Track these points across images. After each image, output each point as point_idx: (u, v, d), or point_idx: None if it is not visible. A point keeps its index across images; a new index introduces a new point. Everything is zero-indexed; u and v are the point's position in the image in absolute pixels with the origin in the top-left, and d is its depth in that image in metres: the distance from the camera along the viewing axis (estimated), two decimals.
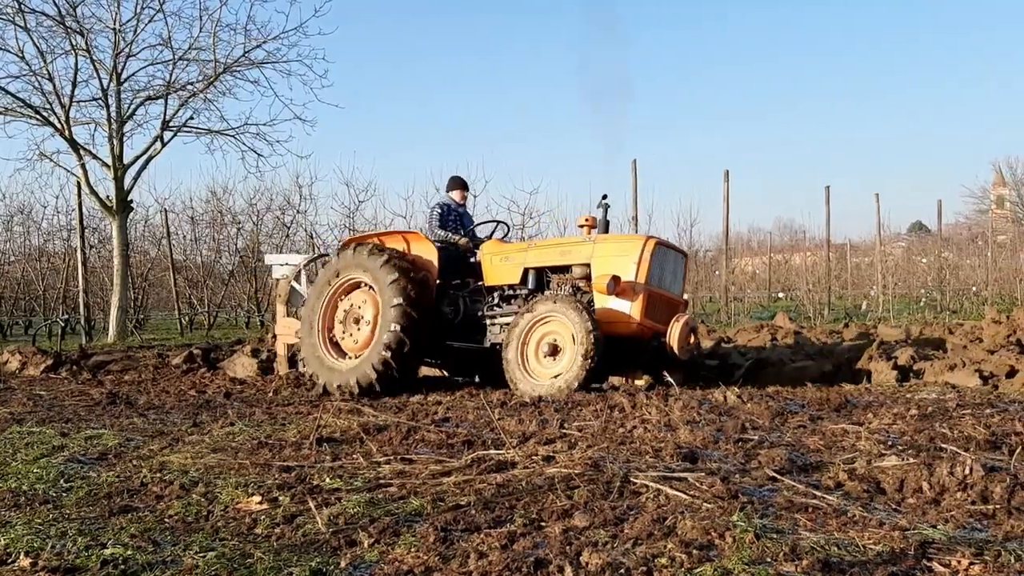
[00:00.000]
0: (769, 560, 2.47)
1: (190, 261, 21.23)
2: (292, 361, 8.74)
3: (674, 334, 6.92)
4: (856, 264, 27.76)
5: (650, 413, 5.14)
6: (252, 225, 21.20)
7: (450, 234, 8.37)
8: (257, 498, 3.43)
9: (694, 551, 2.56)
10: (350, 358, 7.64)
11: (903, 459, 3.67)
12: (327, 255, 10.06)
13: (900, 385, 6.92)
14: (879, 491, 3.35)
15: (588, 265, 7.46)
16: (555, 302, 6.91)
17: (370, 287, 7.66)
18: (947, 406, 5.23)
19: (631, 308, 7.01)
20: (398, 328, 7.19)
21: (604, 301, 7.05)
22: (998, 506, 3.04)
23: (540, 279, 7.78)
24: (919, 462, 3.56)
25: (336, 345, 7.83)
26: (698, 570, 2.42)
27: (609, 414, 5.19)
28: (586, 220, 7.73)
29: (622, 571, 2.45)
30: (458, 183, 9.14)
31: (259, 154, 16.40)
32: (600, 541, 2.72)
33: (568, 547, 2.64)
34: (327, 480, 3.67)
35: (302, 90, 33.61)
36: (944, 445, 3.95)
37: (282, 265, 9.94)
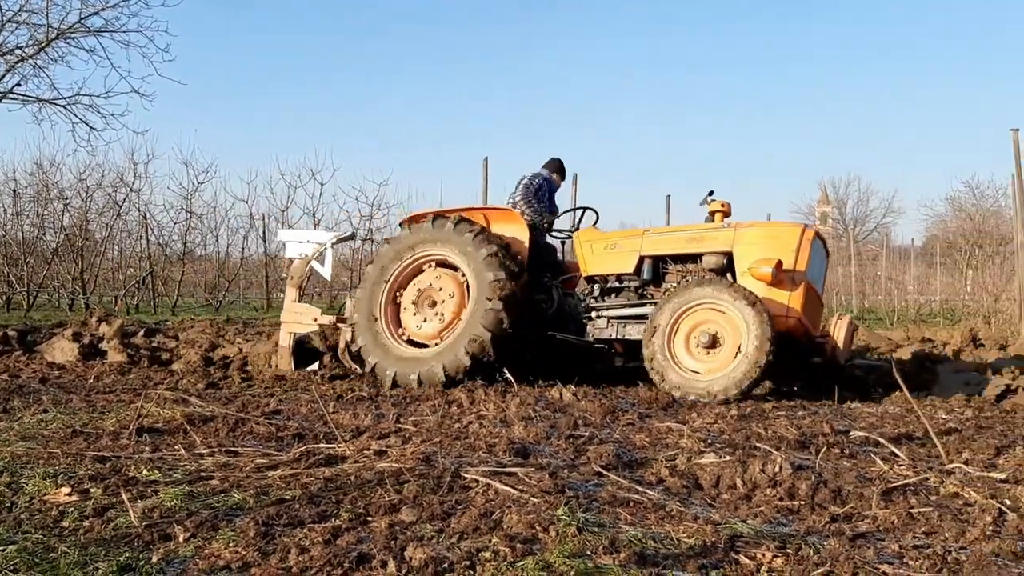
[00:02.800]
0: (589, 553, 2.53)
1: (10, 237, 19.78)
2: (316, 354, 7.77)
3: (840, 332, 6.46)
4: None
5: (487, 409, 5.18)
6: (80, 202, 19.97)
7: (543, 210, 7.89)
8: (66, 489, 3.22)
9: (518, 545, 2.59)
10: (427, 346, 6.90)
11: (720, 456, 3.85)
12: (355, 235, 9.31)
13: None
14: (697, 487, 3.50)
15: (726, 253, 6.76)
16: (713, 287, 6.21)
17: (448, 266, 7.01)
18: (764, 407, 5.53)
19: (789, 300, 6.35)
20: (499, 306, 6.49)
21: (757, 291, 6.23)
22: (803, 502, 3.23)
23: (657, 269, 7.13)
24: (734, 460, 3.75)
25: (401, 333, 7.06)
26: (521, 563, 2.45)
27: (447, 409, 5.20)
28: (722, 205, 7.10)
29: (446, 565, 2.44)
30: (559, 165, 8.55)
31: (91, 127, 15.55)
32: (426, 535, 2.71)
33: (393, 542, 2.62)
34: (144, 472, 3.49)
35: (141, 63, 31.74)
36: (758, 444, 4.17)
37: (301, 243, 8.25)
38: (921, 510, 3.13)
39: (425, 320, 6.93)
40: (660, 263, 7.08)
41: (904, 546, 2.67)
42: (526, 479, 3.37)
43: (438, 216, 7.08)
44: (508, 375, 6.66)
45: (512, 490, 3.21)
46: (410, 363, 6.67)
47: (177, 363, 8.05)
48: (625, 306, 7.06)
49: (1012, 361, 8.27)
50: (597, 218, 7.83)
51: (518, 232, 7.16)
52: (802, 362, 6.76)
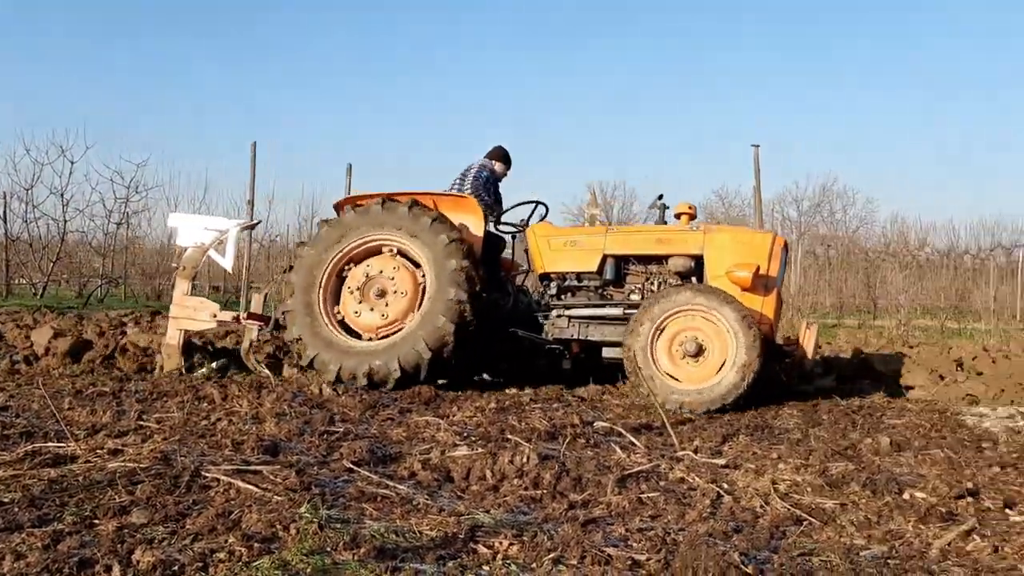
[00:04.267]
0: (329, 550, 2.50)
1: None
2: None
3: (810, 340, 6.38)
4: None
5: (240, 405, 4.99)
6: None
7: (492, 203, 7.32)
8: None
9: (255, 544, 2.52)
10: (370, 338, 6.37)
11: (473, 449, 3.93)
12: (259, 222, 7.90)
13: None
14: (448, 479, 3.55)
15: (695, 256, 6.67)
16: (697, 293, 6.07)
17: (396, 252, 6.50)
18: (522, 400, 5.71)
19: (763, 306, 6.36)
20: (464, 297, 6.09)
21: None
22: (546, 491, 3.37)
23: (619, 269, 6.91)
24: (486, 452, 3.84)
25: (343, 324, 6.52)
26: (256, 563, 2.38)
27: (196, 405, 4.95)
28: (689, 208, 6.97)
29: (176, 568, 2.33)
30: (504, 155, 7.95)
31: None
32: (157, 538, 2.57)
33: (120, 545, 2.47)
34: None
35: None
36: (511, 436, 4.29)
37: (196, 229, 7.29)
38: (650, 495, 3.36)
39: (374, 311, 6.44)
40: (623, 263, 6.95)
41: (630, 529, 2.85)
42: (271, 477, 3.28)
43: (388, 199, 6.59)
44: (266, 370, 6.42)
45: (255, 489, 3.12)
46: (358, 357, 6.18)
47: None
48: (589, 306, 6.83)
49: None
50: (546, 212, 7.55)
51: (473, 222, 6.78)
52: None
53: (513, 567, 2.44)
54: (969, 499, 3.49)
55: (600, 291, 6.96)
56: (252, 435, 4.03)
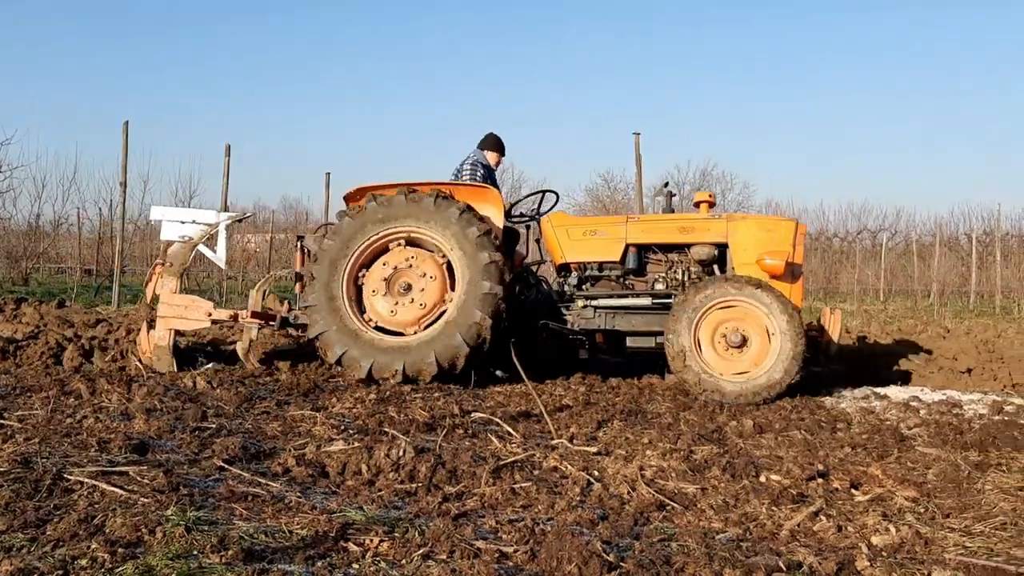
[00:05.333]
0: (196, 553, 2.48)
1: None
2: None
3: (835, 325, 6.51)
4: None
5: (109, 400, 4.84)
6: None
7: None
8: None
9: (119, 549, 2.47)
10: (415, 331, 6.26)
11: (349, 443, 3.93)
12: (251, 215, 7.30)
13: None
14: (323, 475, 3.55)
15: (718, 245, 6.78)
16: (736, 285, 6.13)
17: (416, 245, 6.40)
18: (403, 390, 5.72)
19: (791, 293, 6.40)
20: (499, 290, 6.04)
21: None
22: (421, 484, 3.41)
23: (641, 257, 6.95)
24: (362, 446, 3.85)
25: (379, 328, 6.34)
26: (120, 569, 2.34)
27: (62, 401, 4.77)
28: (709, 196, 7.11)
29: None
30: (497, 143, 7.85)
31: None
32: (16, 545, 2.49)
33: None
34: None
35: None
36: (389, 429, 4.31)
37: (183, 223, 6.93)
38: (523, 485, 3.45)
39: (400, 305, 6.34)
40: (644, 252, 7.00)
41: (501, 521, 2.93)
42: (138, 478, 3.21)
43: (412, 190, 6.46)
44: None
45: (120, 491, 3.04)
46: (392, 353, 6.08)
47: None
48: (617, 296, 6.86)
49: None
50: (556, 201, 7.57)
51: (494, 214, 6.68)
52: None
53: (383, 564, 2.48)
54: (819, 480, 3.72)
55: (622, 280, 7.03)
56: (120, 433, 3.92)
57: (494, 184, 7.62)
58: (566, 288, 7.03)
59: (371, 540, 2.66)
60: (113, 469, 3.32)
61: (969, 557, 2.81)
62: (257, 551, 2.53)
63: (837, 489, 3.65)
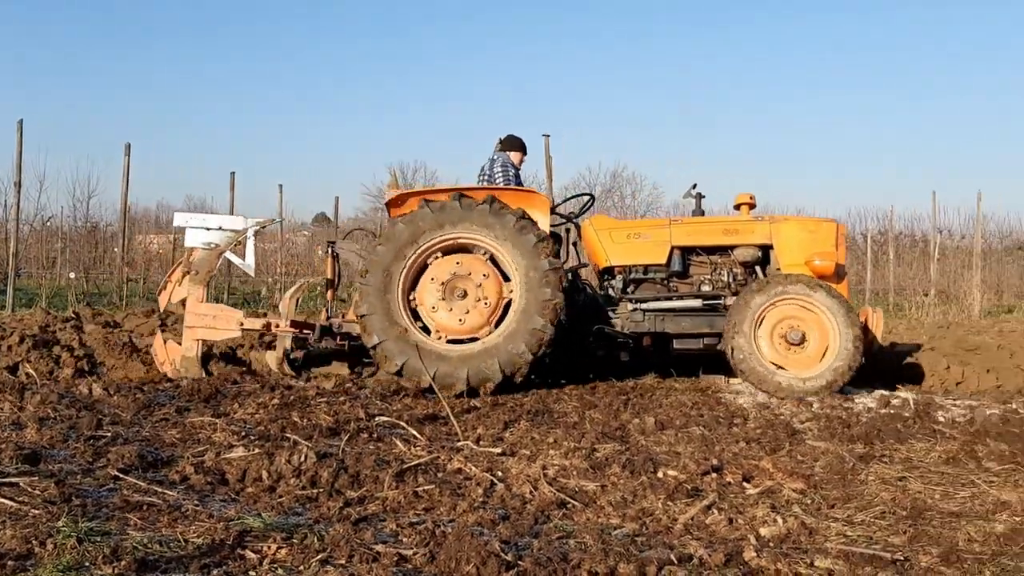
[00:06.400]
0: (88, 564, 2.44)
1: None
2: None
3: (878, 324, 6.65)
4: (263, 250, 28.65)
5: (1, 410, 4.67)
6: None
7: None
8: None
9: (9, 563, 2.41)
10: (439, 338, 6.29)
11: (249, 450, 3.89)
12: (276, 219, 6.99)
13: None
14: (222, 482, 3.51)
15: (763, 246, 6.96)
16: (796, 283, 6.34)
17: (489, 257, 6.38)
18: (307, 395, 5.67)
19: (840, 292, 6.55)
20: (559, 296, 6.11)
21: None
22: (322, 489, 3.40)
23: (685, 260, 7.05)
24: (263, 452, 3.82)
25: (414, 312, 6.38)
26: None
27: None
28: (750, 198, 7.19)
29: None
30: (519, 143, 7.83)
31: None
32: None
33: None
34: None
35: None
36: (291, 434, 4.28)
37: (208, 230, 6.75)
38: (426, 488, 3.47)
39: (449, 310, 6.32)
40: (688, 254, 7.08)
41: (401, 524, 2.95)
42: (29, 489, 3.12)
43: (464, 195, 6.43)
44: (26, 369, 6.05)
45: (10, 503, 2.95)
46: (454, 362, 6.11)
47: None
48: (667, 299, 6.95)
49: None
50: (592, 202, 7.67)
51: (540, 219, 6.58)
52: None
53: (280, 571, 2.48)
54: (714, 475, 3.85)
55: (666, 283, 7.10)
56: (10, 443, 3.79)
57: (520, 184, 7.74)
58: (611, 291, 7.11)
59: (269, 547, 2.65)
60: (3, 480, 3.21)
61: (850, 546, 2.96)
62: (151, 561, 2.49)
63: (730, 483, 3.79)
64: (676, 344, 6.91)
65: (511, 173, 7.63)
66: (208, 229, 6.80)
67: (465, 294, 6.34)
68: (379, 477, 3.56)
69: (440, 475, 3.73)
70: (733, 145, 62.67)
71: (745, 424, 5.23)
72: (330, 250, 7.19)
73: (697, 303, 6.91)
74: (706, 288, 7.06)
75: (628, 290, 7.09)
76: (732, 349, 6.35)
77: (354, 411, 5.06)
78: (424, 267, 6.46)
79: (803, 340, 6.34)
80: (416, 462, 3.84)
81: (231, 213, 18.14)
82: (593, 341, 6.96)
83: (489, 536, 2.82)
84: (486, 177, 7.76)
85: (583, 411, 5.56)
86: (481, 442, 4.44)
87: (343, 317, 6.99)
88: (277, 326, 6.63)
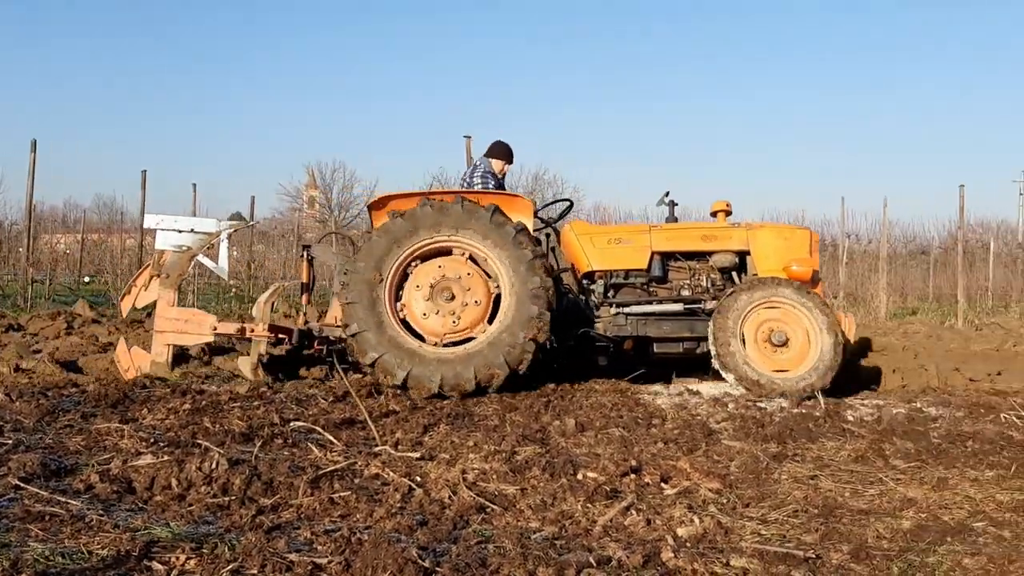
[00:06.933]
0: None
1: None
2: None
3: (850, 328, 6.80)
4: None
5: None
6: None
7: None
8: None
9: None
10: (435, 343, 6.31)
11: (158, 457, 3.76)
12: (253, 222, 6.53)
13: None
14: (129, 491, 3.38)
15: (739, 252, 7.18)
16: (790, 288, 6.55)
17: (468, 257, 6.44)
18: (220, 399, 5.51)
19: None
20: (545, 313, 6.18)
21: None
22: (235, 497, 3.30)
23: (664, 265, 7.23)
24: (173, 459, 3.69)
25: (404, 323, 6.37)
26: None
27: None
28: (726, 205, 7.41)
29: None
30: (503, 151, 7.74)
31: None
32: None
33: None
34: None
35: None
36: (202, 440, 4.15)
37: (180, 232, 6.53)
38: (342, 494, 3.40)
39: (436, 313, 6.37)
40: (667, 259, 7.25)
41: (316, 532, 2.87)
42: None
43: (466, 200, 6.46)
44: None
45: None
46: (430, 364, 6.12)
47: None
48: (649, 302, 7.09)
49: None
50: (571, 207, 7.81)
51: (526, 222, 6.67)
52: None
53: None
54: (632, 476, 3.88)
55: (646, 288, 7.26)
56: None
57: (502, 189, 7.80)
58: (592, 296, 7.22)
59: (177, 557, 2.55)
60: None
61: (764, 544, 3.01)
62: (53, 574, 2.38)
63: (648, 483, 3.82)
64: (656, 348, 7.12)
65: (490, 183, 7.65)
66: (179, 231, 6.66)
67: (453, 296, 6.39)
68: (294, 484, 3.47)
69: (357, 481, 3.66)
70: (647, 148, 63.72)
71: (663, 425, 5.29)
72: (305, 254, 7.18)
73: (678, 307, 7.08)
74: (685, 293, 7.24)
75: (609, 294, 7.25)
76: (719, 350, 6.53)
77: (269, 416, 4.93)
78: (405, 276, 6.49)
79: (784, 342, 6.55)
80: (332, 468, 3.76)
81: (142, 212, 17.66)
82: (574, 344, 7.06)
83: (406, 542, 2.78)
84: (466, 183, 7.81)
85: (504, 414, 5.54)
86: (399, 447, 4.37)
87: (319, 320, 7.05)
88: (252, 330, 6.52)
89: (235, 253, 26.24)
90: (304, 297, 7.30)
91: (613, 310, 7.07)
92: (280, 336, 6.74)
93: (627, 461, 4.10)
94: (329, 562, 2.57)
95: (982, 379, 7.52)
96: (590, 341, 7.08)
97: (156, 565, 2.51)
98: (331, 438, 4.39)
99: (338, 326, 6.67)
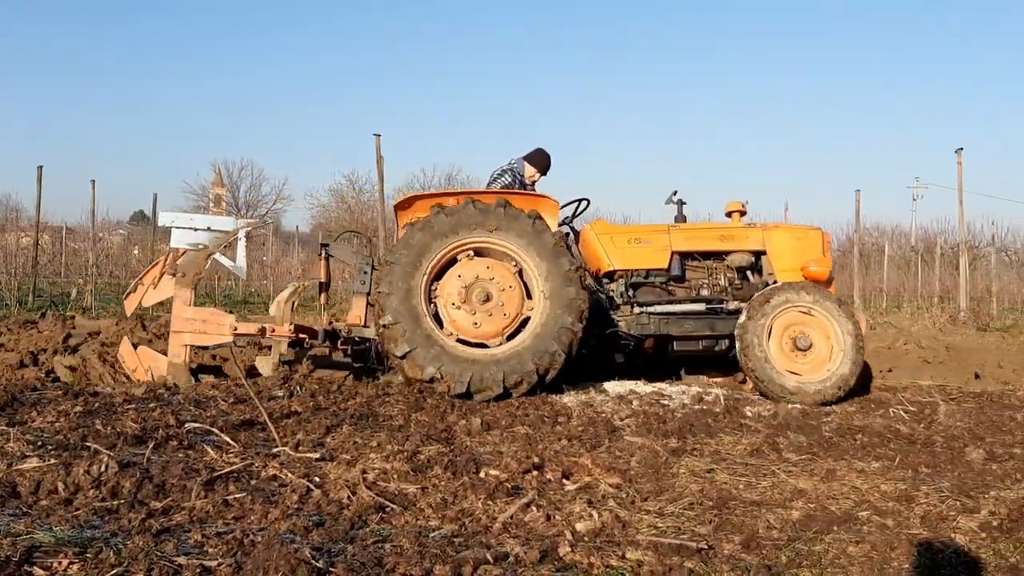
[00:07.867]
0: None
1: None
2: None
3: (863, 326, 6.78)
4: (74, 249, 26.96)
5: None
6: None
7: None
8: None
9: None
10: (499, 343, 6.31)
11: (45, 460, 3.61)
12: (266, 221, 5.86)
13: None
14: (13, 495, 3.24)
15: (755, 252, 7.28)
16: (807, 293, 6.55)
17: (474, 255, 6.43)
18: (114, 401, 5.33)
19: None
20: (578, 325, 6.21)
21: None
22: (124, 501, 3.20)
23: (683, 265, 7.30)
24: (60, 462, 3.56)
25: (461, 341, 6.30)
26: None
27: None
28: (741, 206, 7.48)
29: None
30: (540, 160, 7.69)
31: None
32: None
33: None
34: None
35: None
36: (93, 443, 4.00)
37: (196, 230, 6.38)
38: (237, 496, 3.32)
39: (478, 316, 6.33)
40: (686, 259, 7.32)
41: (208, 534, 2.81)
42: None
43: (509, 204, 6.43)
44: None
45: None
46: (459, 363, 6.07)
47: None
48: (672, 302, 7.15)
49: None
50: (587, 206, 7.77)
51: (551, 222, 6.62)
52: None
53: None
54: (535, 473, 3.90)
55: (664, 287, 7.33)
56: None
57: None
58: (612, 295, 7.27)
59: (60, 563, 2.46)
60: None
61: (659, 537, 3.07)
62: None
63: (550, 480, 3.85)
64: (677, 346, 7.18)
65: (513, 185, 7.66)
66: (195, 230, 6.53)
67: (488, 299, 6.39)
68: (187, 486, 3.38)
69: (253, 482, 3.59)
70: (576, 147, 64.31)
71: (568, 422, 5.34)
72: (323, 253, 7.13)
73: (700, 307, 7.18)
74: (704, 292, 7.35)
75: (629, 293, 7.31)
76: (746, 353, 6.53)
77: (164, 418, 4.79)
78: (439, 275, 6.47)
79: (809, 347, 6.57)
80: (228, 470, 3.68)
81: (37, 209, 16.98)
82: (596, 343, 7.09)
83: (300, 543, 2.73)
84: (493, 178, 7.88)
85: (409, 413, 5.50)
86: (300, 448, 4.29)
87: (345, 321, 7.01)
88: (273, 331, 6.42)
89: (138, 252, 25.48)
90: (323, 296, 7.31)
91: (636, 309, 7.18)
92: (301, 336, 6.68)
93: (530, 458, 4.12)
94: (219, 565, 2.51)
95: (874, 376, 7.82)
96: (613, 339, 7.15)
97: (37, 571, 2.41)
98: (228, 440, 4.29)
99: (366, 326, 6.68)
